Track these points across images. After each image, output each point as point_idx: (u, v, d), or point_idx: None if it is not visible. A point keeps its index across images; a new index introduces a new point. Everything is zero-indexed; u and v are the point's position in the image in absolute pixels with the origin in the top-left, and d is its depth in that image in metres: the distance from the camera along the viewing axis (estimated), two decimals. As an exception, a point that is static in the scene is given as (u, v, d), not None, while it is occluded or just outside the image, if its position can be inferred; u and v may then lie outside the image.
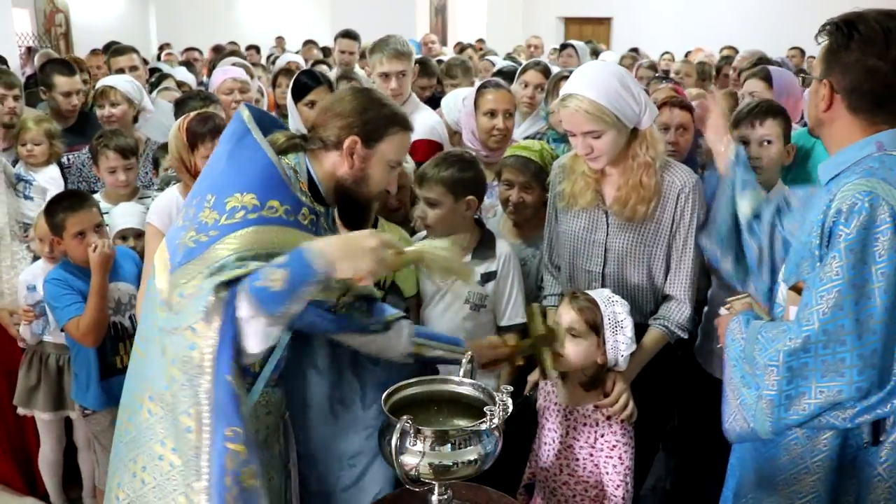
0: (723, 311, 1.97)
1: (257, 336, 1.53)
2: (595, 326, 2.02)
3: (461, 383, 1.79)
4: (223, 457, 1.51)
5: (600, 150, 2.10)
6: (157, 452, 1.62)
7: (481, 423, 1.61)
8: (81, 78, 4.37)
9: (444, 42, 12.63)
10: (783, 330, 1.64)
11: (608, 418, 2.03)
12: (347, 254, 1.53)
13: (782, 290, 1.83)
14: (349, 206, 1.81)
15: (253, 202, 1.58)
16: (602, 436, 2.03)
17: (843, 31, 1.63)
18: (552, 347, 2.01)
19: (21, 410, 2.92)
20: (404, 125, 1.80)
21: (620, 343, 2.01)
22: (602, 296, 2.06)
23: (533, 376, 2.27)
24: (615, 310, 2.02)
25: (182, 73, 5.80)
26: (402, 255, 1.63)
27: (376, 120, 1.74)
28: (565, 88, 2.11)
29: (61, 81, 3.79)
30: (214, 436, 1.52)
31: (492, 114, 3.04)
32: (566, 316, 2.04)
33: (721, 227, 2.05)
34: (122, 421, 1.75)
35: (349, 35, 5.54)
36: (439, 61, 5.60)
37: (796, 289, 1.70)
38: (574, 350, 2.02)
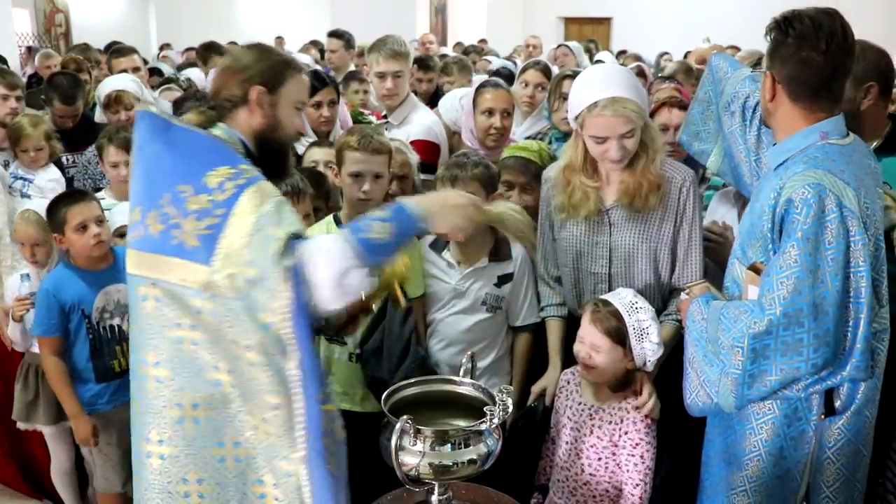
0: (683, 295, 2.06)
1: (338, 290, 1.57)
2: (620, 338, 2.01)
3: (461, 383, 1.79)
4: (319, 420, 1.57)
5: (630, 149, 2.12)
6: (219, 454, 1.62)
7: (481, 423, 1.61)
8: (82, 78, 4.38)
9: (443, 42, 12.65)
10: (744, 310, 1.75)
11: (637, 409, 2.05)
12: (444, 209, 1.68)
13: (737, 268, 1.94)
14: (270, 156, 1.81)
15: (230, 171, 1.60)
16: (626, 433, 2.03)
17: (782, 27, 1.79)
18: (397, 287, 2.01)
19: (21, 425, 2.86)
20: (299, 68, 1.86)
21: (647, 350, 2.01)
22: (625, 303, 2.03)
23: (536, 386, 2.28)
24: (639, 317, 2.01)
25: (195, 74, 5.79)
26: (486, 214, 1.76)
27: (273, 66, 1.79)
28: (598, 93, 2.07)
29: (59, 108, 3.84)
30: (308, 402, 1.56)
31: (489, 112, 3.06)
32: (587, 332, 2.04)
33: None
34: (146, 452, 1.68)
35: (335, 35, 5.59)
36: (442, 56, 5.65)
37: (754, 269, 1.82)
38: (601, 362, 2.02)
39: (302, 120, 1.88)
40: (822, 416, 1.81)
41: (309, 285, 1.54)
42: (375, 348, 2.30)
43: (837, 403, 1.80)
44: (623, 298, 2.05)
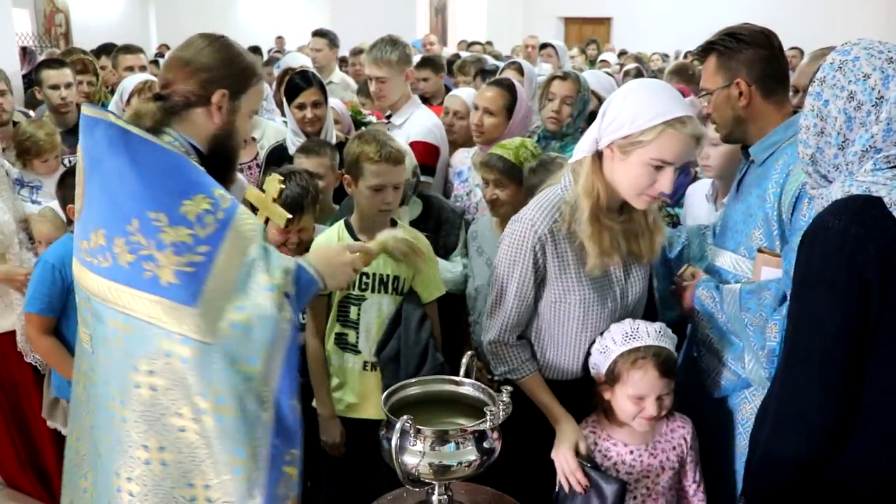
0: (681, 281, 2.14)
1: None
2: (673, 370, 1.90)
3: (461, 383, 1.79)
4: (278, 484, 1.55)
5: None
6: (190, 494, 1.57)
7: (481, 423, 1.61)
8: (87, 79, 4.37)
9: (444, 42, 12.65)
10: (766, 287, 1.87)
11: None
12: (333, 272, 1.73)
13: (728, 257, 2.08)
14: (219, 161, 1.72)
15: (208, 201, 1.52)
16: (681, 445, 1.97)
17: (732, 39, 1.99)
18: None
19: (51, 424, 2.87)
20: (261, 76, 1.78)
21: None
22: (654, 332, 1.90)
23: (563, 451, 1.88)
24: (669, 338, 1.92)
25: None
26: (368, 253, 1.90)
27: (241, 72, 1.69)
28: (680, 108, 1.75)
29: (49, 74, 3.77)
30: (272, 464, 1.54)
31: (476, 108, 3.11)
32: (650, 385, 1.84)
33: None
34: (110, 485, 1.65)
35: (321, 34, 5.60)
36: (454, 59, 5.66)
37: (764, 251, 1.96)
38: (670, 403, 1.91)
39: (251, 127, 1.90)
40: None
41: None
42: (392, 357, 2.28)
43: None
44: (650, 330, 1.90)
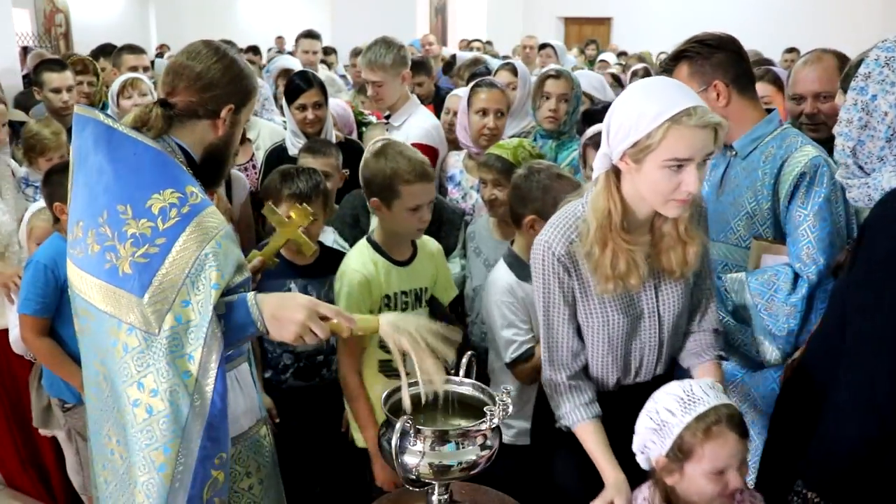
0: None
1: None
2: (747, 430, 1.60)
3: (461, 383, 1.79)
4: (204, 485, 1.53)
5: (703, 180, 1.66)
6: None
7: (481, 423, 1.61)
8: (87, 80, 4.36)
9: (444, 42, 12.66)
10: (774, 273, 2.00)
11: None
12: (278, 321, 1.57)
13: (717, 247, 2.13)
14: (212, 167, 1.77)
15: (176, 196, 1.54)
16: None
17: (699, 46, 2.09)
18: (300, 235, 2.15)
19: (43, 432, 2.85)
20: (258, 87, 1.86)
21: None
22: (710, 389, 1.60)
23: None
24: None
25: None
26: (340, 326, 1.63)
27: (246, 89, 1.77)
28: (685, 100, 1.57)
29: (51, 77, 3.79)
30: (201, 465, 1.52)
31: (483, 112, 3.06)
32: (727, 452, 1.53)
33: None
34: (98, 474, 1.70)
35: (312, 36, 5.58)
36: (453, 60, 5.60)
37: (761, 238, 2.07)
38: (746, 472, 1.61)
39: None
40: None
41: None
42: None
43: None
44: (712, 391, 1.60)
